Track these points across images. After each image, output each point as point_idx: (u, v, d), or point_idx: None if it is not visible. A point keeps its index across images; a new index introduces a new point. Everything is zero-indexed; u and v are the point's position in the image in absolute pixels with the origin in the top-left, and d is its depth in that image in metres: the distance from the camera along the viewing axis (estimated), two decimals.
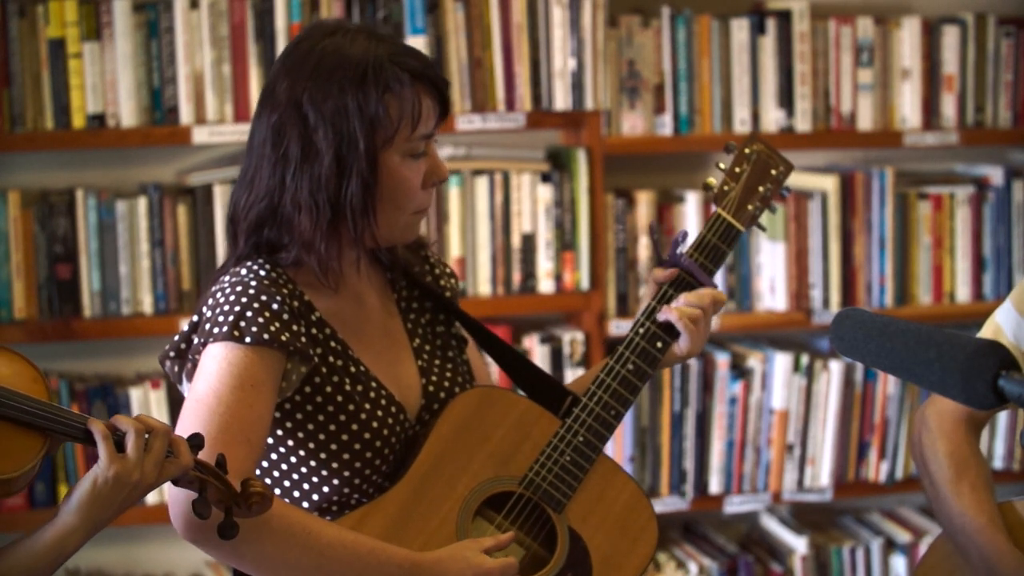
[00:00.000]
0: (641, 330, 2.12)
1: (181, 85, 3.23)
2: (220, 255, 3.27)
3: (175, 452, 1.68)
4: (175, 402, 3.29)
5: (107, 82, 3.20)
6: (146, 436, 1.65)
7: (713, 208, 2.19)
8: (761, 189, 2.19)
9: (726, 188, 2.18)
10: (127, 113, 3.21)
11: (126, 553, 3.46)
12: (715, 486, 3.59)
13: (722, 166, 2.20)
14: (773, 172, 2.20)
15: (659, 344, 2.12)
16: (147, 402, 3.28)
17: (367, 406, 2.02)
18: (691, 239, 2.18)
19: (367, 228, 1.99)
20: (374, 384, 2.05)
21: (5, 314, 3.21)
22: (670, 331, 2.13)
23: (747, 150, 2.20)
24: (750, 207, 2.18)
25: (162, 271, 3.27)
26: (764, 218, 2.23)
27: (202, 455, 1.84)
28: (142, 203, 3.27)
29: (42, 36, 3.17)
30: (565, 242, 3.46)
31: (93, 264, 3.24)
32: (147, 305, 3.27)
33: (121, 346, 3.41)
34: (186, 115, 3.24)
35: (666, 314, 2.11)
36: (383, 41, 2.00)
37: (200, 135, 3.23)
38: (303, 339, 1.97)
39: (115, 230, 3.25)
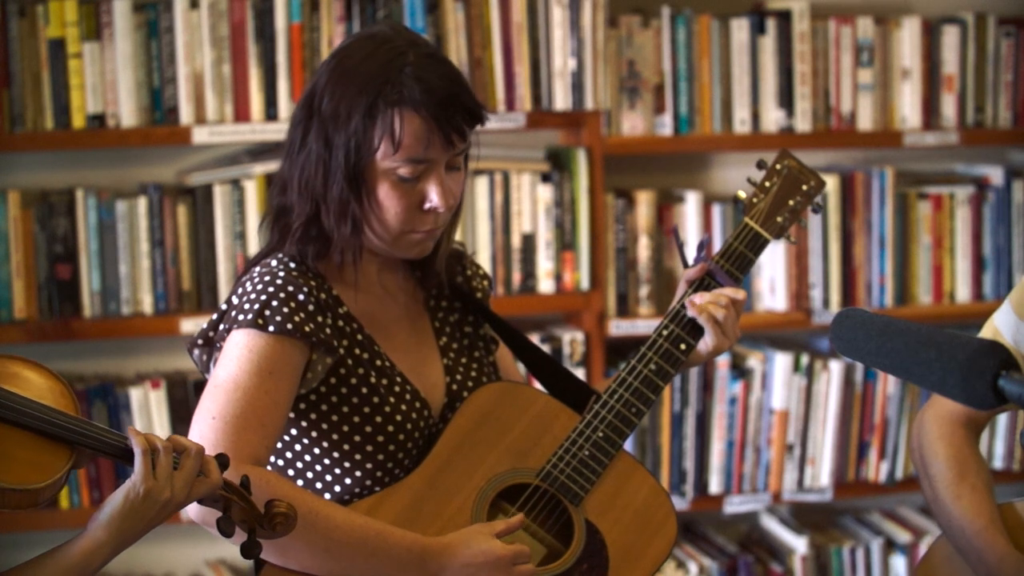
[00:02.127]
0: (665, 332, 2.16)
1: (181, 85, 3.23)
2: (220, 255, 3.28)
3: (206, 472, 1.70)
4: (175, 402, 3.28)
5: (107, 82, 3.20)
6: (176, 455, 1.67)
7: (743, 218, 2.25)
8: (791, 202, 2.24)
9: (755, 200, 2.24)
10: (127, 113, 3.21)
11: (126, 553, 3.44)
12: (715, 486, 3.59)
13: (753, 180, 2.25)
14: (804, 187, 2.26)
15: (682, 346, 2.16)
16: (147, 402, 3.28)
17: (391, 399, 2.05)
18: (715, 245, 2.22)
19: (349, 235, 2.02)
20: (399, 379, 2.07)
21: (5, 314, 3.21)
22: (694, 333, 2.16)
23: (778, 166, 2.26)
24: (779, 218, 2.24)
25: (162, 271, 3.27)
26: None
27: (218, 436, 1.89)
28: (142, 203, 3.27)
29: (42, 36, 3.17)
30: (565, 242, 3.46)
31: (93, 264, 3.23)
32: (147, 305, 3.27)
33: (121, 346, 3.41)
34: (186, 115, 3.24)
35: (689, 309, 2.15)
36: (412, 55, 1.99)
37: (200, 135, 3.23)
38: (328, 331, 2.00)
39: (115, 230, 3.25)
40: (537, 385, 2.31)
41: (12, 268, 3.20)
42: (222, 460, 1.74)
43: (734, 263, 2.19)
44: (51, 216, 3.22)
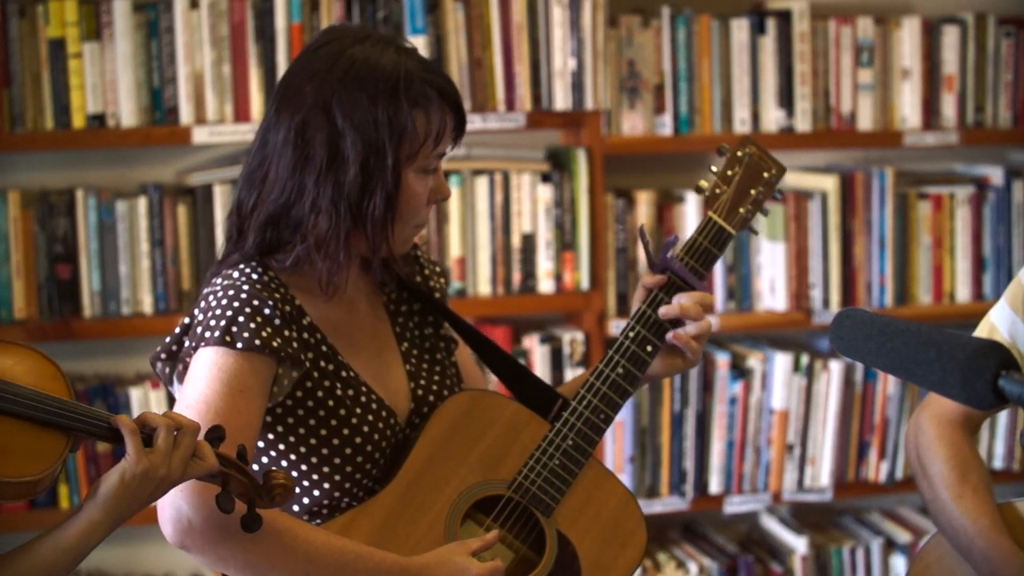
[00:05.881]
0: (631, 334, 2.13)
1: (181, 85, 3.23)
2: (220, 255, 3.27)
3: (200, 456, 1.69)
4: (175, 403, 3.28)
5: (107, 82, 3.20)
6: (175, 432, 1.66)
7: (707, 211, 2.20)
8: (753, 192, 2.19)
9: (718, 191, 2.18)
10: (127, 113, 3.21)
11: (126, 553, 3.46)
12: (715, 486, 3.59)
13: (714, 169, 2.20)
14: (765, 175, 2.20)
15: (649, 348, 2.13)
16: (147, 402, 3.28)
17: (357, 410, 2.02)
18: (682, 242, 2.18)
19: (384, 240, 1.99)
20: (364, 389, 2.04)
21: (5, 314, 3.21)
22: (660, 335, 2.13)
23: (739, 152, 2.19)
24: (742, 210, 2.18)
25: (162, 271, 3.27)
26: (760, 220, 2.24)
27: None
28: (142, 203, 3.27)
29: (42, 36, 3.17)
30: (565, 242, 3.46)
31: (93, 264, 3.24)
32: (147, 305, 3.27)
33: (121, 346, 3.41)
34: (186, 115, 3.24)
35: (673, 340, 2.12)
36: (410, 55, 2.00)
37: (200, 135, 3.23)
38: (294, 344, 1.96)
39: (115, 230, 3.25)
40: (495, 378, 2.29)
41: (12, 268, 3.20)
42: (217, 433, 1.72)
43: (698, 259, 2.15)
44: (51, 216, 3.22)
